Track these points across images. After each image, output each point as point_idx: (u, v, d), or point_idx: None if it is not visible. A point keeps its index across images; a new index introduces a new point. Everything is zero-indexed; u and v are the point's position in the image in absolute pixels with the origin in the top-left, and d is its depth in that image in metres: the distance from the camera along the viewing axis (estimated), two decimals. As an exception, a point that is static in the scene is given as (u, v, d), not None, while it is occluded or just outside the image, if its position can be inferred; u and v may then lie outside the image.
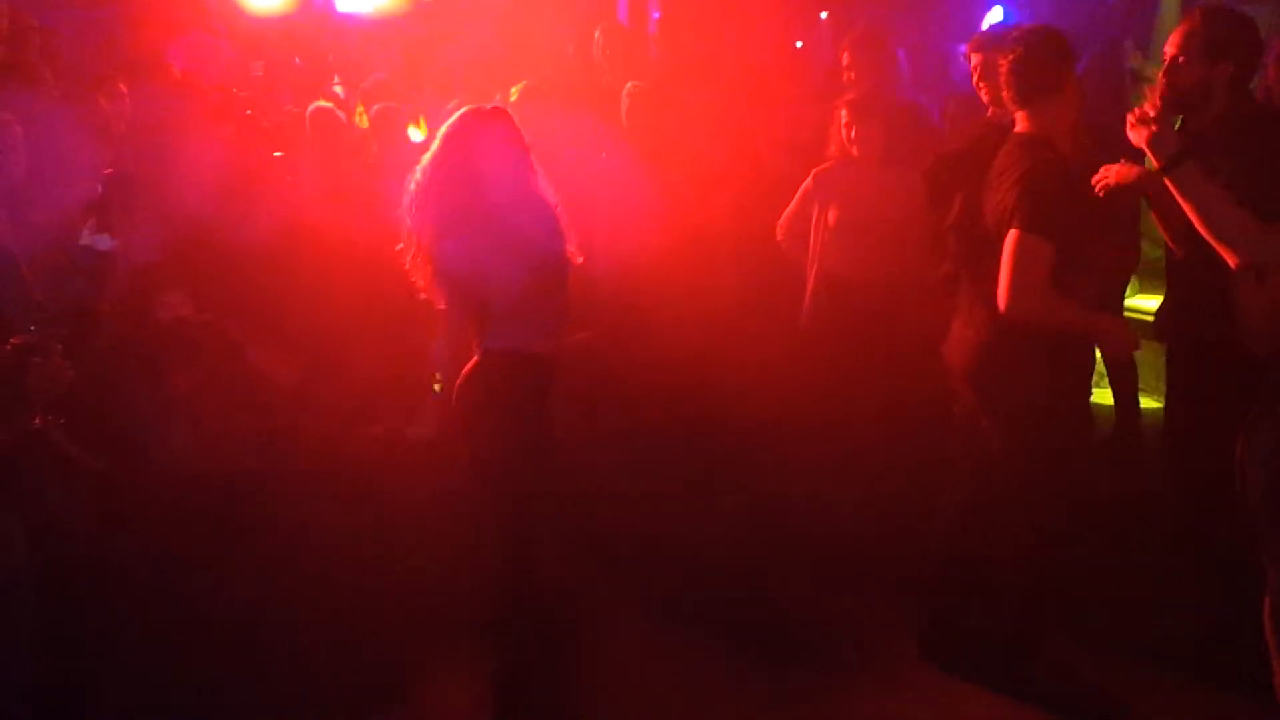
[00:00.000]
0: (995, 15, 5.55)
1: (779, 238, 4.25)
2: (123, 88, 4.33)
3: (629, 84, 4.52)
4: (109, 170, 3.78)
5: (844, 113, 4.01)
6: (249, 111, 5.21)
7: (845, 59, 4.57)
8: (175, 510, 3.45)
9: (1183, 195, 2.67)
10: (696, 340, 4.23)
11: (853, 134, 3.98)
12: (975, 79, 3.89)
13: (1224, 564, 3.15)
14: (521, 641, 3.05)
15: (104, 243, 3.18)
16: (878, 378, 3.98)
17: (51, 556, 2.74)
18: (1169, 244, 3.16)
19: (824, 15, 6.03)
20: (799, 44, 5.69)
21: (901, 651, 3.38)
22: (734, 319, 4.25)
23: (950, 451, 3.39)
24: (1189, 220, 2.69)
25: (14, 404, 2.72)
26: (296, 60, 6.20)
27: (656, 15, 6.49)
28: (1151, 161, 2.79)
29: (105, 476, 3.13)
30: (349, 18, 6.52)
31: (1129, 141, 2.86)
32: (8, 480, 2.58)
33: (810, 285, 4.16)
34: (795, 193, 4.18)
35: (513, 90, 4.59)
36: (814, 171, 4.13)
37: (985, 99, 3.87)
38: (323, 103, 4.97)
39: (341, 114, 4.98)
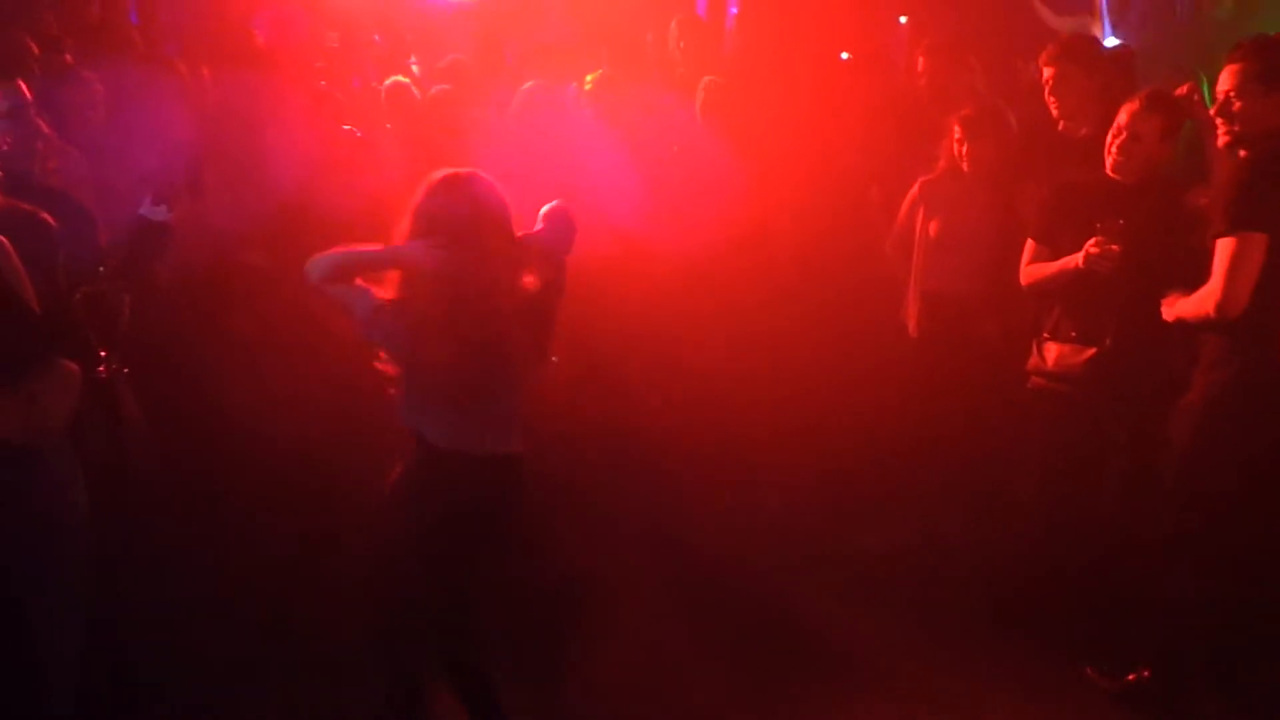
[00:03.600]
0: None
1: (888, 250, 4.22)
2: (205, 71, 4.33)
3: (705, 78, 4.48)
4: (189, 141, 3.79)
5: (957, 127, 3.96)
6: (323, 83, 5.22)
7: (920, 64, 4.51)
8: (234, 469, 3.46)
9: None
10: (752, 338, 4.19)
11: (965, 149, 3.94)
12: (1046, 92, 3.81)
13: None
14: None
15: (159, 214, 3.18)
16: (964, 393, 3.95)
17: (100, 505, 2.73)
18: None
19: (903, 20, 5.93)
20: (877, 48, 5.59)
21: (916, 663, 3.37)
22: (803, 319, 4.20)
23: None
24: None
25: (83, 352, 2.68)
26: (376, 37, 6.21)
27: (734, 10, 6.41)
28: None
29: (161, 431, 3.12)
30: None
31: None
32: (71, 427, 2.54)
33: (911, 296, 4.12)
34: (866, 195, 4.16)
35: (588, 78, 4.54)
36: (920, 181, 4.10)
37: (1055, 113, 3.81)
38: (400, 78, 4.97)
39: (417, 91, 4.98)
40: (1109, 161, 3.39)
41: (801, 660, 3.52)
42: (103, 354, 2.76)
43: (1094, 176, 3.45)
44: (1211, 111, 3.08)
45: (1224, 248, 2.92)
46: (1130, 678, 3.29)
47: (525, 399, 2.70)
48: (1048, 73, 3.80)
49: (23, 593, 2.29)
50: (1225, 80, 3.01)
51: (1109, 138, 3.38)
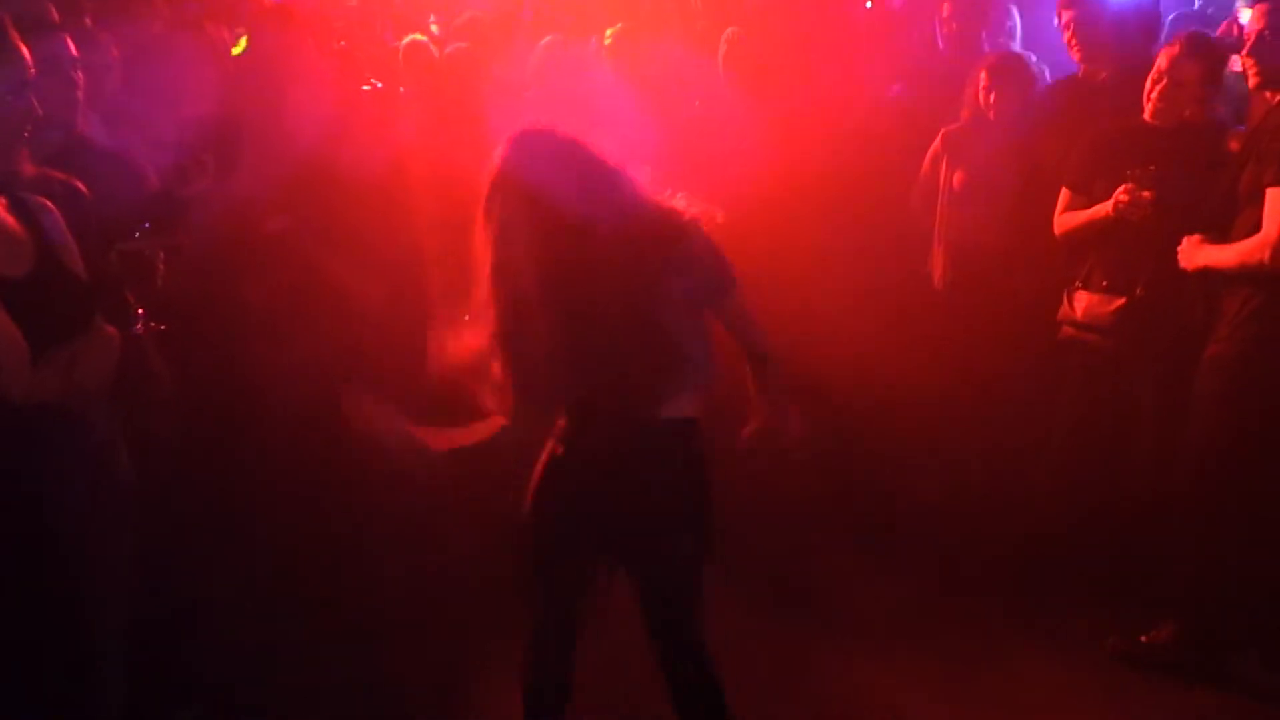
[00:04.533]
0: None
1: (912, 202, 4.15)
2: (224, 34, 4.27)
3: (728, 30, 4.40)
4: (214, 108, 3.74)
5: (983, 75, 3.87)
6: (342, 43, 5.18)
7: (945, 9, 4.42)
8: (264, 437, 3.46)
9: None
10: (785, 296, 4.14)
11: (991, 98, 3.85)
12: (1068, 35, 3.74)
13: None
14: None
15: (178, 187, 3.15)
16: (992, 346, 3.89)
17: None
18: None
19: None
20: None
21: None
22: (827, 272, 4.15)
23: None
24: None
25: (120, 310, 2.69)
26: None
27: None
28: None
29: (188, 393, 3.11)
30: None
31: None
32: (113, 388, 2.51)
33: (936, 248, 4.06)
34: (888, 145, 4.08)
35: (608, 32, 4.48)
36: (943, 131, 4.03)
37: (1076, 57, 3.75)
38: (417, 36, 4.92)
39: (435, 49, 4.93)
40: (1149, 108, 3.30)
41: (822, 617, 3.51)
42: (140, 311, 2.76)
43: (1129, 121, 3.37)
44: (1243, 52, 3.00)
45: (1277, 196, 2.83)
46: (1144, 639, 3.25)
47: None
48: (1066, 16, 3.74)
49: (69, 555, 2.26)
50: (1256, 19, 2.94)
51: (1148, 84, 3.28)
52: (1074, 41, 3.75)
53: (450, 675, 3.23)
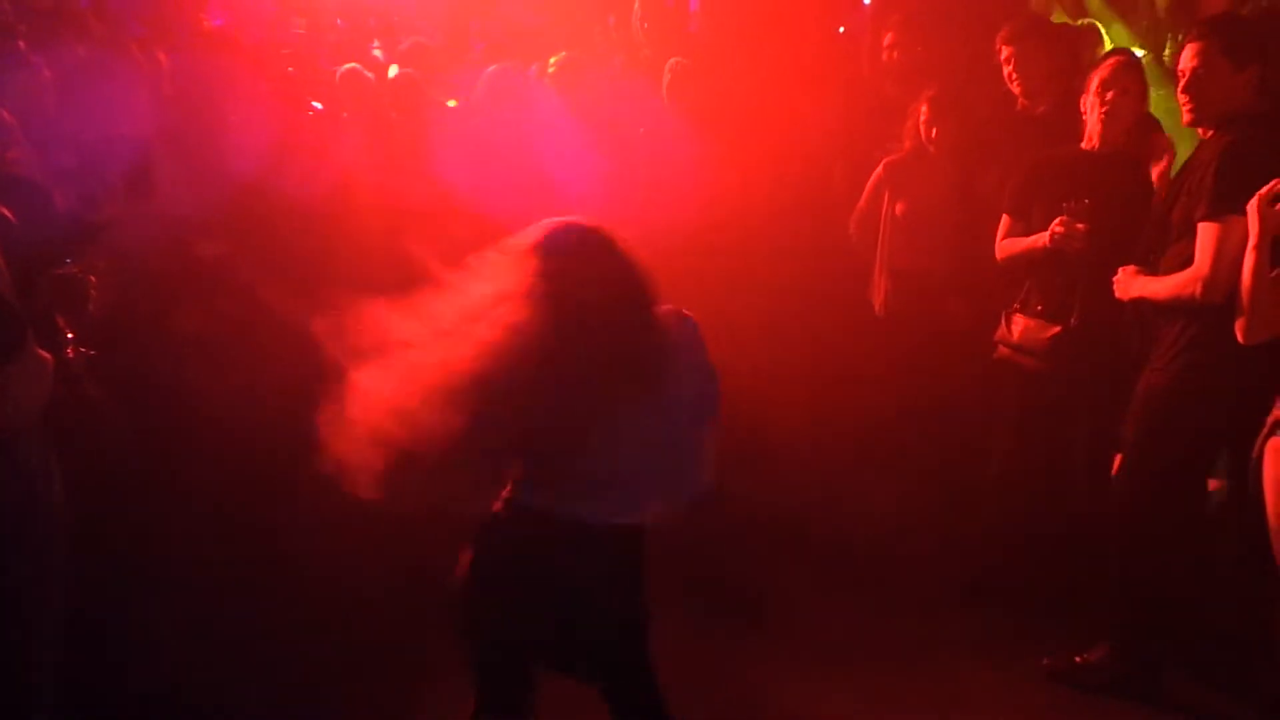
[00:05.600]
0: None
1: (851, 230, 4.20)
2: (161, 56, 4.20)
3: (672, 60, 4.43)
4: (139, 130, 3.67)
5: (924, 108, 3.93)
6: (290, 70, 5.12)
7: (888, 39, 4.48)
8: (200, 461, 3.38)
9: None
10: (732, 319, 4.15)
11: (933, 132, 3.91)
12: (1009, 70, 3.79)
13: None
14: None
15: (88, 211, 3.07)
16: (932, 369, 3.93)
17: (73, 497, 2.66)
18: None
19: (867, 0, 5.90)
20: (841, 29, 5.57)
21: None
22: (771, 299, 4.17)
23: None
24: None
25: (50, 335, 2.63)
26: (338, 21, 6.11)
27: (699, -9, 6.35)
28: None
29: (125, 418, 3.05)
30: None
31: None
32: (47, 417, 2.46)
33: (878, 276, 4.10)
34: (831, 175, 4.13)
35: (551, 60, 4.48)
36: (885, 162, 4.08)
37: (1016, 90, 3.79)
38: (353, 65, 4.88)
39: (371, 75, 4.89)
40: (1095, 131, 3.32)
41: (772, 637, 3.49)
42: (70, 335, 2.70)
43: (1066, 150, 3.42)
44: (1178, 89, 3.02)
45: (1208, 231, 2.87)
46: (1078, 659, 3.26)
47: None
48: (1007, 51, 3.78)
49: None
50: (1188, 58, 2.96)
51: (1088, 109, 3.31)
52: (1016, 76, 3.79)
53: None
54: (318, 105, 4.43)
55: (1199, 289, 2.89)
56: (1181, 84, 2.98)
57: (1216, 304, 2.87)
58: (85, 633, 2.61)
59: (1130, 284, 3.11)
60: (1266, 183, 2.69)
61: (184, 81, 3.99)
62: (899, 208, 4.04)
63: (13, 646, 2.30)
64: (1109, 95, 3.27)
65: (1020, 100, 3.81)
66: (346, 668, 3.23)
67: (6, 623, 2.28)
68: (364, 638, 3.32)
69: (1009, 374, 3.55)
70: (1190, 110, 2.98)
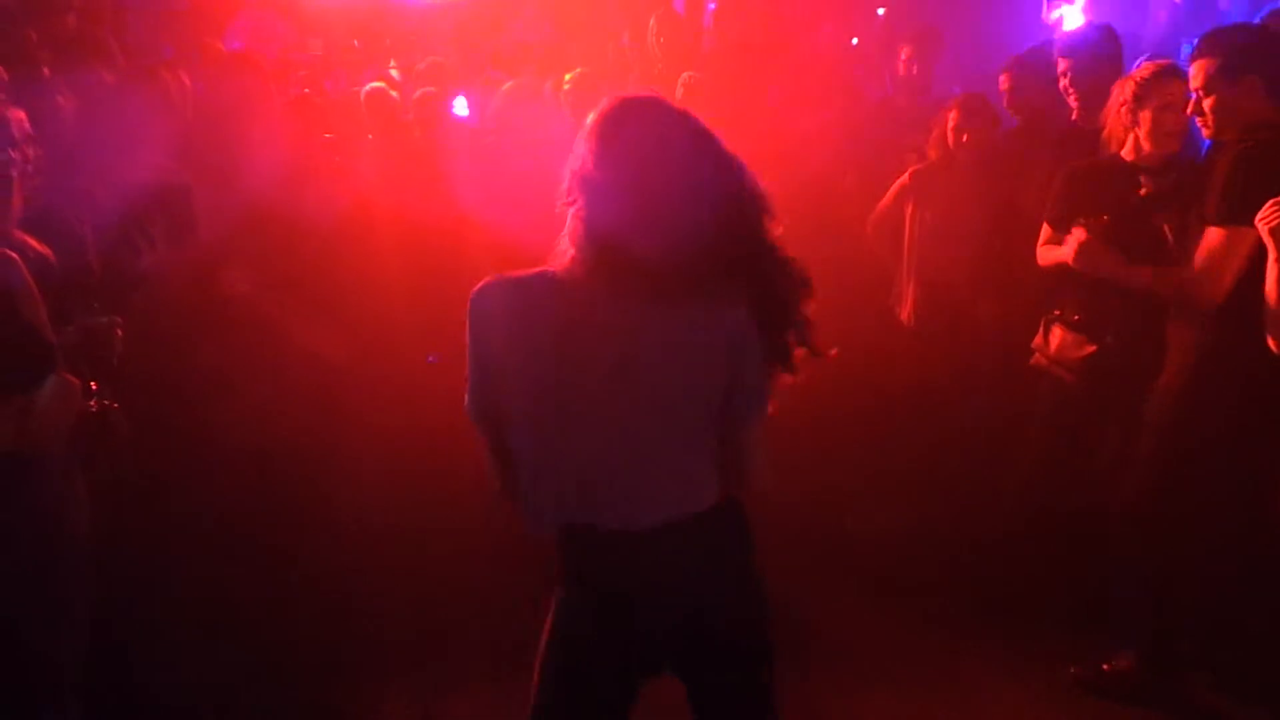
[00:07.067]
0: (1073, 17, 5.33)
1: (868, 231, 4.16)
2: (185, 78, 4.17)
3: (685, 74, 4.44)
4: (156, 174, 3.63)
5: (953, 114, 3.89)
6: (306, 90, 5.16)
7: (905, 52, 4.47)
8: (217, 484, 3.40)
9: None
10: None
11: (964, 138, 3.87)
12: (1064, 83, 3.68)
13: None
14: None
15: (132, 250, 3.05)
16: (961, 379, 3.93)
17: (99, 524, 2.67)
18: None
19: (881, 11, 5.91)
20: (855, 40, 5.57)
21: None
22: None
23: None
24: None
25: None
26: (355, 43, 6.16)
27: (712, 6, 6.37)
28: None
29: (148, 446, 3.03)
30: (406, 2, 6.48)
31: None
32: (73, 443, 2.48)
33: (907, 284, 4.09)
34: (838, 183, 4.11)
35: (566, 77, 4.48)
36: (911, 170, 4.05)
37: (1073, 104, 3.68)
38: (377, 84, 4.91)
39: (395, 94, 4.91)
40: (1145, 144, 3.18)
41: (789, 647, 3.46)
42: (94, 386, 2.65)
43: (1107, 159, 3.33)
44: (1188, 110, 3.04)
45: (1213, 237, 2.88)
46: (1105, 667, 3.25)
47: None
48: (1064, 64, 3.69)
49: (20, 604, 2.26)
50: (1195, 78, 2.97)
51: (1128, 118, 3.19)
52: (1072, 90, 3.67)
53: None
54: (327, 136, 4.45)
55: (1182, 288, 2.94)
56: (1190, 106, 3.01)
57: (1219, 309, 2.88)
58: (104, 648, 2.62)
59: (1095, 258, 3.11)
60: (1276, 192, 2.68)
61: (206, 105, 4.01)
62: (927, 218, 4.01)
63: (42, 664, 2.31)
64: (1150, 108, 3.12)
65: (1075, 113, 3.69)
66: (363, 681, 3.25)
67: (30, 648, 2.30)
68: (381, 652, 3.34)
69: (1044, 383, 3.52)
70: (1206, 128, 3.00)
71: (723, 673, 1.99)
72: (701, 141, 1.85)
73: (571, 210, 1.84)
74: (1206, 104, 2.94)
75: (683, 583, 1.90)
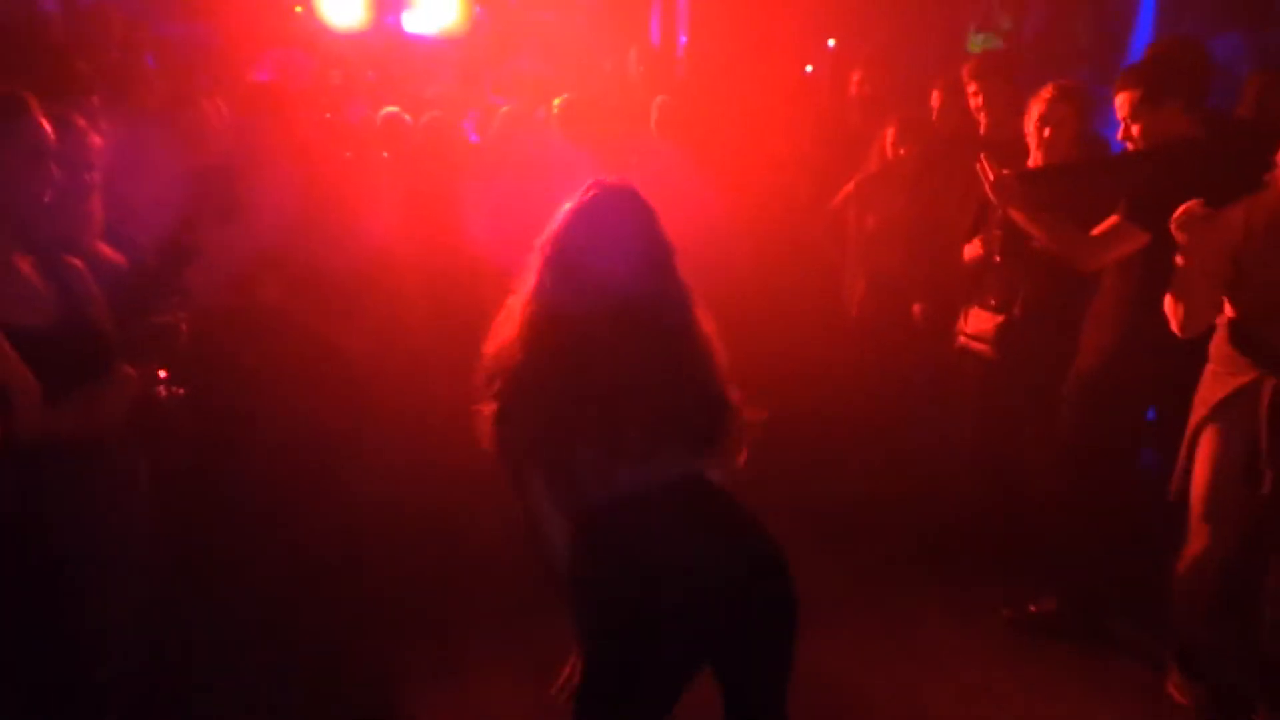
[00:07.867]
0: (985, 40, 5.72)
1: (818, 234, 4.55)
2: (223, 105, 4.26)
3: (658, 97, 4.80)
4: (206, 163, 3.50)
5: (891, 131, 4.27)
6: (328, 115, 5.38)
7: (857, 75, 4.83)
8: (257, 470, 3.47)
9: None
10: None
11: (900, 152, 4.25)
12: (976, 104, 3.98)
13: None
14: None
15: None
16: (900, 363, 4.28)
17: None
18: None
19: (831, 43, 6.24)
20: (809, 68, 5.91)
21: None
22: (754, 307, 4.48)
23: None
24: None
25: (148, 377, 2.70)
26: (370, 74, 6.40)
27: (684, 40, 6.71)
28: None
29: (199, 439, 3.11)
30: (416, 37, 6.79)
31: None
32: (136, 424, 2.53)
33: (857, 281, 4.48)
34: (795, 192, 4.47)
35: (555, 101, 4.80)
36: (856, 179, 4.43)
37: (983, 120, 3.98)
38: (393, 108, 5.11)
39: (408, 118, 5.17)
40: (1036, 159, 3.53)
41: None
42: (162, 374, 2.74)
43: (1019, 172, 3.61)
44: (1119, 135, 3.28)
45: (1113, 223, 3.16)
46: (1033, 609, 3.53)
47: None
48: (974, 86, 3.98)
49: (79, 586, 2.25)
50: (1120, 108, 3.22)
51: (1030, 135, 3.52)
52: (984, 109, 3.95)
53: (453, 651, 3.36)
54: (352, 157, 4.65)
55: (1067, 246, 3.23)
56: (1120, 131, 3.26)
57: (1126, 297, 3.18)
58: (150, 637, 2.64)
59: (1009, 193, 3.32)
60: (1180, 201, 2.81)
61: (239, 132, 4.19)
62: (870, 221, 4.39)
63: (95, 646, 2.30)
64: (1046, 131, 3.44)
65: (984, 128, 3.99)
66: (395, 671, 3.31)
67: (84, 610, 2.27)
68: (413, 643, 3.41)
69: (967, 361, 3.85)
70: (1134, 148, 3.25)
71: (765, 641, 2.02)
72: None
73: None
74: (1134, 130, 3.19)
75: (704, 543, 1.92)
